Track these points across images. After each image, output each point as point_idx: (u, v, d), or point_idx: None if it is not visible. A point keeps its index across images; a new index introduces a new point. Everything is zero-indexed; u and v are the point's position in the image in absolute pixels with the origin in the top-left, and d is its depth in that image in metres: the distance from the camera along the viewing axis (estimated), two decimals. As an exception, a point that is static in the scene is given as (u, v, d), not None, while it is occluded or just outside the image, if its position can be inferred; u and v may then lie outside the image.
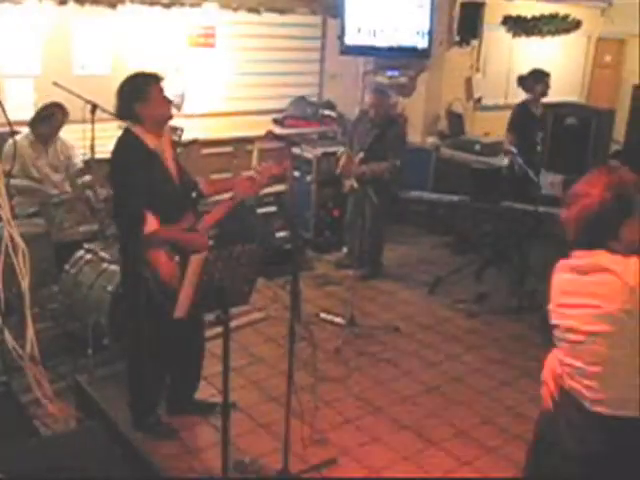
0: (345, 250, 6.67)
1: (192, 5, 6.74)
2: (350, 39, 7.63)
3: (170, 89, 6.65)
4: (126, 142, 3.61)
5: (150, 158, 3.56)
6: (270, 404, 4.32)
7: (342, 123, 7.75)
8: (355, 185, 5.88)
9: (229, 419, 3.05)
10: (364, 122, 6.23)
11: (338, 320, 5.37)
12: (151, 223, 3.45)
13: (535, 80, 6.88)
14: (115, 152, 3.66)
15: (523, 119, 6.83)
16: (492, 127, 8.73)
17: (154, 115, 3.56)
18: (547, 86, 6.95)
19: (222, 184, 4.15)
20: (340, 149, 6.38)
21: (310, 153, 6.92)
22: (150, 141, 3.58)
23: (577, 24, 9.89)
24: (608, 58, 10.85)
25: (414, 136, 8.11)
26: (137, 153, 3.55)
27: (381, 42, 7.70)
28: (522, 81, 7.04)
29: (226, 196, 3.82)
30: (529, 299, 5.87)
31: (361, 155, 5.96)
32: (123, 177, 3.57)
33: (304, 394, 4.06)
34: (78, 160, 5.42)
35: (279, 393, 4.14)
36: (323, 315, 5.49)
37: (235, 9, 7.15)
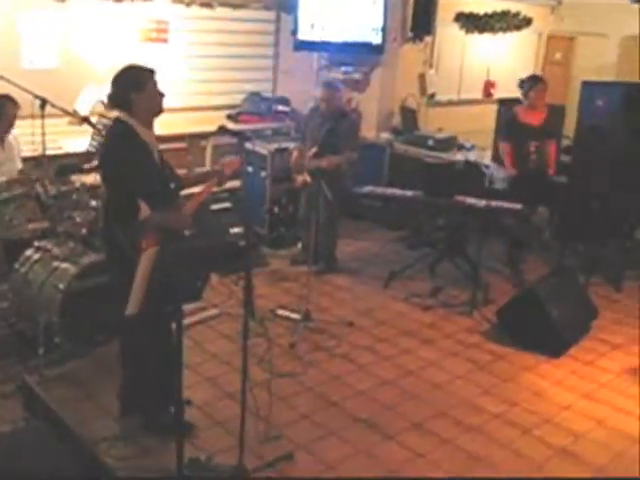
0: (300, 246, 6.67)
1: (144, -1, 6.68)
2: (304, 35, 7.64)
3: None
4: (121, 131, 3.63)
5: (142, 147, 3.60)
6: (225, 401, 4.30)
7: (296, 119, 7.74)
8: (308, 180, 5.90)
9: (183, 416, 3.03)
10: (315, 117, 6.22)
11: (293, 316, 5.37)
12: (144, 209, 3.47)
13: (530, 86, 6.46)
14: (110, 142, 3.74)
15: (511, 128, 6.57)
16: (445, 122, 8.83)
17: (149, 106, 3.62)
18: (542, 92, 6.45)
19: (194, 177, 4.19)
20: (292, 145, 6.38)
21: (264, 149, 6.91)
22: (141, 131, 3.61)
23: (528, 21, 10.07)
24: (558, 55, 11.05)
25: (368, 132, 8.15)
26: (133, 142, 3.58)
27: (335, 38, 7.71)
28: (522, 86, 6.64)
29: (195, 189, 3.88)
30: (483, 293, 5.95)
31: (315, 149, 5.97)
32: (123, 164, 3.56)
33: (260, 390, 4.07)
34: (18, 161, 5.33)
35: (234, 389, 4.12)
36: (278, 311, 5.48)
37: (188, 4, 7.12)
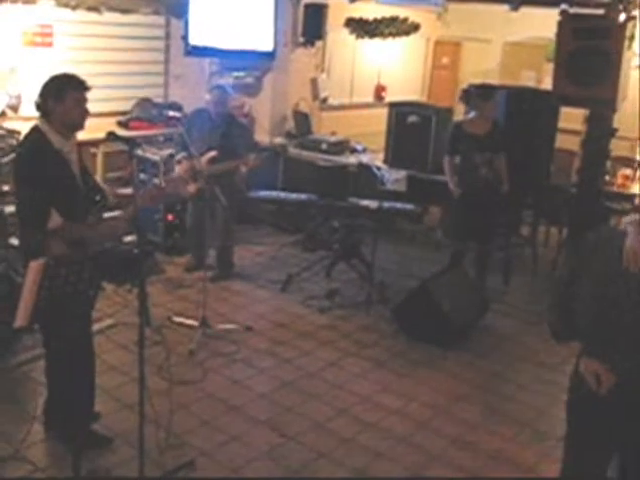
0: (192, 253, 6.59)
1: (26, 2, 6.47)
2: (195, 40, 7.58)
3: (5, 90, 6.43)
4: (32, 139, 3.57)
5: (54, 157, 3.51)
6: (124, 412, 4.22)
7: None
8: (200, 187, 5.78)
9: (80, 429, 2.97)
10: (204, 121, 6.12)
11: (191, 322, 5.32)
12: (55, 220, 3.39)
13: (485, 97, 6.07)
14: (21, 148, 3.71)
15: (457, 141, 6.14)
16: (338, 126, 8.96)
17: (65, 118, 3.54)
18: (495, 104, 6.13)
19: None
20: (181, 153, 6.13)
21: (156, 155, 6.81)
22: (56, 141, 3.53)
23: (416, 27, 10.34)
24: (445, 59, 11.43)
25: (262, 136, 8.17)
26: (42, 150, 3.50)
27: (226, 43, 7.70)
28: (466, 97, 6.35)
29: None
30: (378, 292, 6.07)
31: (212, 154, 5.90)
32: (28, 173, 3.48)
33: (159, 399, 4.02)
34: None
35: (133, 400, 4.03)
36: (175, 318, 5.43)
37: (74, 7, 6.94)
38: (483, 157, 6.06)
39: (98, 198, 3.78)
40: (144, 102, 7.75)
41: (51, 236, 3.37)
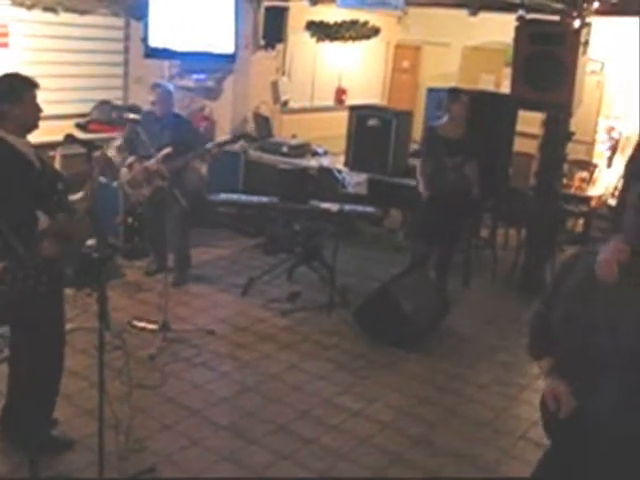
0: (151, 257, 6.55)
1: (-21, 2, 6.39)
2: (154, 42, 7.52)
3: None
4: None
5: (19, 161, 3.44)
6: (84, 417, 4.17)
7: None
8: (157, 188, 5.73)
9: (37, 436, 2.93)
10: (150, 123, 6.00)
11: (151, 326, 5.28)
12: (42, 220, 3.33)
13: (451, 100, 6.21)
14: None
15: (432, 145, 6.23)
16: (299, 129, 8.98)
17: (24, 120, 3.46)
18: (463, 105, 6.17)
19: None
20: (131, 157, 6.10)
21: (116, 158, 6.73)
22: (17, 143, 3.45)
23: (376, 31, 10.40)
24: (406, 63, 11.50)
25: (223, 139, 8.14)
26: (7, 157, 3.41)
27: (187, 45, 7.66)
28: (439, 101, 6.44)
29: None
30: (340, 295, 6.09)
31: (167, 150, 5.82)
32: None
33: (120, 404, 3.98)
34: None
35: (93, 405, 4.00)
36: (136, 322, 5.38)
37: (29, 7, 6.84)
38: (454, 161, 6.13)
39: (60, 186, 3.70)
40: (103, 104, 7.68)
41: (42, 237, 3.32)
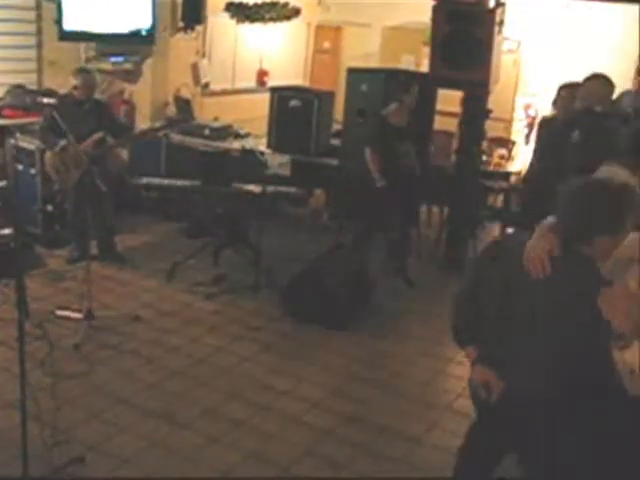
0: (73, 244, 6.40)
1: None
2: (69, 24, 7.32)
3: None
4: None
5: None
6: (6, 410, 4.06)
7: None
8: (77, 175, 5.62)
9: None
10: (70, 107, 5.90)
11: (75, 315, 5.17)
12: None
13: (403, 89, 6.31)
14: None
15: (382, 132, 6.31)
16: (220, 112, 8.89)
17: None
18: (414, 96, 6.30)
19: None
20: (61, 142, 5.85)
21: (31, 144, 6.53)
22: None
23: (297, 11, 10.35)
24: (327, 44, 11.50)
25: (142, 122, 8.02)
26: None
27: (102, 27, 7.48)
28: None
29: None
30: (266, 276, 6.09)
31: (99, 134, 5.78)
32: None
33: (44, 395, 3.91)
34: None
35: (15, 397, 3.91)
36: (59, 312, 5.26)
37: None
38: (404, 147, 6.30)
39: None
40: (17, 89, 7.41)
41: None
